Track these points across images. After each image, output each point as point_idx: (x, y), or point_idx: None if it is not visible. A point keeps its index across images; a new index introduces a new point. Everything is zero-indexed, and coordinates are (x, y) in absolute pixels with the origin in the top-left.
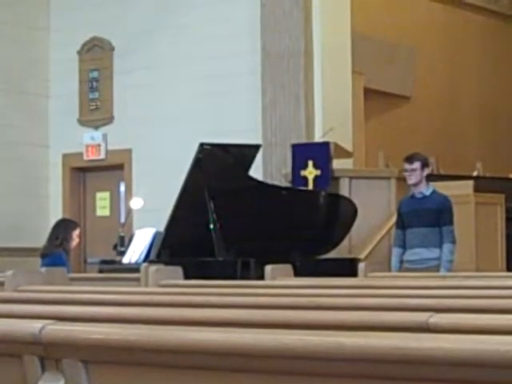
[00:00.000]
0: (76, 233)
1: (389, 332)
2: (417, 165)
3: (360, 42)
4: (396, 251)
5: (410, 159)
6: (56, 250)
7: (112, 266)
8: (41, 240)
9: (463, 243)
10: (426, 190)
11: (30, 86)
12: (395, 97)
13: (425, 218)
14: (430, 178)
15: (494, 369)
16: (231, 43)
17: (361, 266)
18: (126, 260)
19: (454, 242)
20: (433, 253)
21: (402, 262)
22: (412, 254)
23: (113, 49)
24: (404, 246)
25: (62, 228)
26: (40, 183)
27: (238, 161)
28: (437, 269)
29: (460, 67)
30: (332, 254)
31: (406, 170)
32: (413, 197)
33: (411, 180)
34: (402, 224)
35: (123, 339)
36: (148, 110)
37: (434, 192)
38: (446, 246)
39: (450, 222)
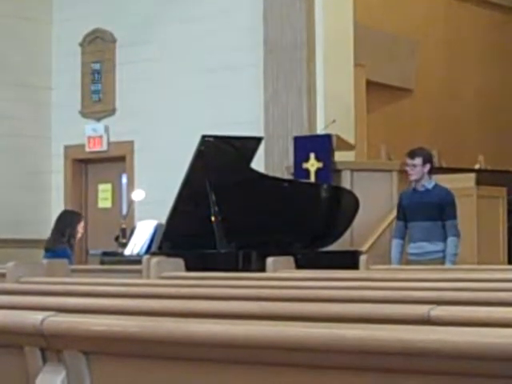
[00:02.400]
0: (81, 225)
1: (390, 324)
2: (418, 161)
3: (362, 34)
4: (396, 242)
5: (411, 154)
6: (61, 245)
7: (114, 258)
8: (43, 232)
9: (465, 236)
10: (428, 183)
11: (33, 79)
12: (397, 89)
13: (427, 212)
14: (432, 171)
15: (496, 361)
16: (233, 36)
17: (362, 258)
18: (127, 252)
19: (458, 235)
20: (436, 246)
21: (401, 252)
22: (415, 248)
23: (115, 41)
24: (404, 238)
25: (69, 222)
26: (42, 175)
27: (239, 153)
28: (440, 261)
29: (462, 60)
30: (333, 247)
31: (407, 165)
32: (415, 190)
33: (412, 176)
34: (403, 216)
35: (124, 331)
36: (150, 102)
37: (436, 186)
38: (451, 240)
39: (454, 216)
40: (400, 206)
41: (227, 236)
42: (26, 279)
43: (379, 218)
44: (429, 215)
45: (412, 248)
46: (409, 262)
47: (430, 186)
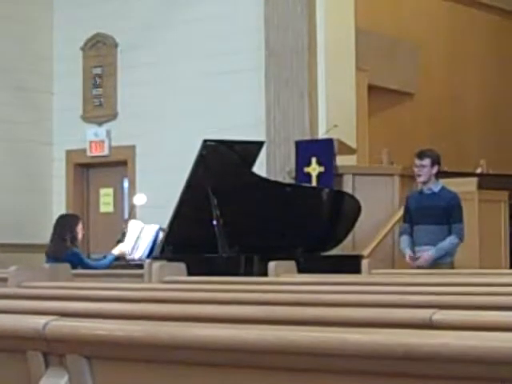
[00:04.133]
0: (80, 227)
1: (392, 329)
2: (427, 161)
3: (364, 38)
4: (404, 237)
5: (420, 155)
6: (65, 250)
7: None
8: (44, 236)
9: (467, 240)
10: (434, 186)
11: (34, 83)
12: (399, 94)
13: (434, 216)
14: (439, 173)
15: (497, 365)
16: (235, 40)
17: (364, 262)
18: (129, 256)
19: (461, 239)
20: None
21: (411, 243)
22: (421, 252)
23: (116, 45)
24: (412, 236)
25: (68, 226)
26: (44, 179)
27: (241, 157)
28: (446, 266)
29: (464, 64)
30: (335, 251)
31: (415, 166)
32: (421, 193)
33: (420, 177)
34: (409, 219)
35: (127, 335)
36: (152, 106)
37: (442, 189)
38: (453, 238)
39: (460, 220)
40: (407, 209)
41: (229, 240)
42: (28, 284)
43: (381, 222)
44: (435, 219)
45: (417, 252)
46: (413, 266)
47: (436, 189)
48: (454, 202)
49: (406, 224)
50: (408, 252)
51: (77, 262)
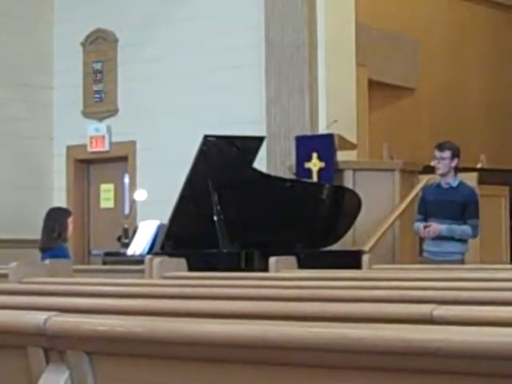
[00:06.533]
0: (70, 220)
1: (393, 324)
2: (447, 154)
3: (364, 33)
4: (419, 223)
5: (440, 147)
6: (56, 242)
7: (116, 258)
8: None
9: None
10: (453, 180)
11: (34, 78)
12: (399, 89)
13: (449, 211)
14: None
15: (498, 360)
16: (235, 35)
17: (365, 258)
18: (130, 252)
19: (475, 235)
20: (455, 247)
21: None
22: (433, 246)
23: (117, 40)
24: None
25: (57, 218)
26: (44, 175)
27: (242, 153)
28: (459, 262)
29: (465, 59)
30: (336, 246)
31: (435, 158)
32: (439, 186)
33: (439, 169)
34: (424, 210)
35: (127, 331)
36: (152, 101)
37: (460, 184)
38: (467, 228)
39: (476, 216)
40: (422, 201)
41: (230, 236)
42: (29, 279)
43: (381, 217)
44: (450, 214)
45: (429, 245)
46: (423, 261)
47: (454, 183)
48: (472, 198)
49: (421, 216)
50: (421, 225)
51: (62, 257)
